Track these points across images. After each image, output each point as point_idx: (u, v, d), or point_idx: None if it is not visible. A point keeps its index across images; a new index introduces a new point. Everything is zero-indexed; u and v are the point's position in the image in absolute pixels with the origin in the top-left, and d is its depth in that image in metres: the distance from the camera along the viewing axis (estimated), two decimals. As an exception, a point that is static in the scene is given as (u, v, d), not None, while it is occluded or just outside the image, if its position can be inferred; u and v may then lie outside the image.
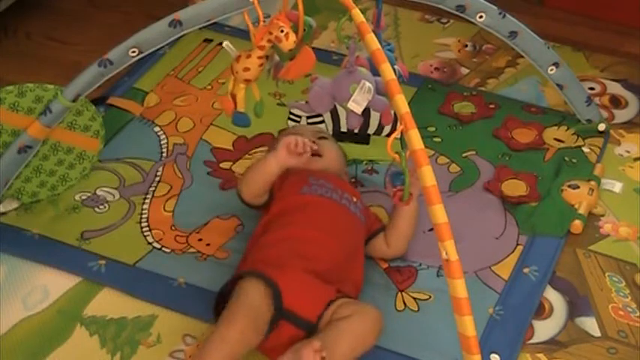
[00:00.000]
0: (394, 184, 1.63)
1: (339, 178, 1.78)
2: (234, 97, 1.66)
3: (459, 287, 1.37)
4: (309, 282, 1.57)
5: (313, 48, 1.61)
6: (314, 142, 1.78)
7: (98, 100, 2.06)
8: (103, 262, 1.76)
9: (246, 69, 1.60)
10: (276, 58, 1.65)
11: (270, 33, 1.55)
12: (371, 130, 1.96)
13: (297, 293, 1.55)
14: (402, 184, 1.61)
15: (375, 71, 1.53)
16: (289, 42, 1.54)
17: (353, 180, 1.94)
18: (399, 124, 1.42)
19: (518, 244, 1.82)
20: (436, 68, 2.29)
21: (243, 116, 1.65)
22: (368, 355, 1.59)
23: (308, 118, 1.96)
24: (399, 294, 1.71)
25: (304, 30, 1.58)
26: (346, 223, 1.70)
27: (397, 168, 1.60)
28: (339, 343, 1.51)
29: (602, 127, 2.06)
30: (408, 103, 1.42)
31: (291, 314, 1.53)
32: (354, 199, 1.73)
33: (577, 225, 1.84)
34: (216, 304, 1.59)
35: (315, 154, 1.78)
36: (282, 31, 1.53)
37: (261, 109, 1.65)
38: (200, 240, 1.82)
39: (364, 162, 1.99)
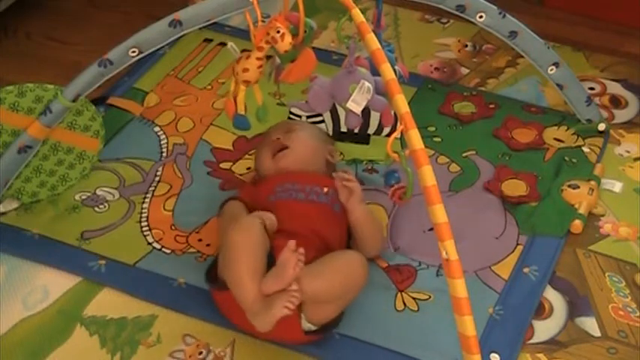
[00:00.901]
0: (389, 183, 1.63)
1: (308, 174, 1.76)
2: (235, 98, 1.66)
3: (459, 287, 1.37)
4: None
5: (313, 48, 1.61)
6: (278, 139, 1.80)
7: (98, 100, 2.06)
8: (103, 262, 1.76)
9: (245, 70, 1.60)
10: (277, 60, 1.65)
11: (268, 34, 1.55)
12: (371, 130, 1.96)
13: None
14: (396, 183, 1.61)
15: (375, 71, 1.53)
16: (284, 43, 1.54)
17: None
18: (399, 124, 1.42)
19: (518, 244, 1.82)
20: (436, 68, 2.29)
21: (243, 119, 1.66)
22: (368, 354, 1.60)
23: (308, 117, 1.96)
24: (399, 294, 1.71)
25: (305, 32, 1.58)
26: (314, 216, 1.68)
27: (389, 167, 1.60)
28: (323, 269, 1.53)
29: (602, 127, 2.06)
30: (408, 103, 1.43)
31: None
32: (325, 190, 1.72)
33: (577, 225, 1.84)
34: (210, 271, 1.63)
35: (282, 148, 1.79)
36: (278, 32, 1.53)
37: (263, 115, 1.65)
38: (200, 240, 1.82)
39: (364, 162, 1.99)
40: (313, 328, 1.58)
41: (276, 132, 1.84)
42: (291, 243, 1.49)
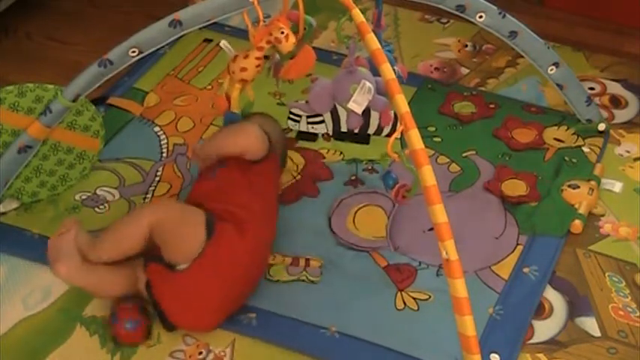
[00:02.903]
0: (388, 186, 1.62)
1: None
2: (228, 96, 1.66)
3: (459, 287, 1.37)
4: None
5: (313, 48, 1.61)
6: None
7: (98, 100, 2.06)
8: (103, 262, 1.76)
9: (243, 69, 1.60)
10: (277, 57, 1.65)
11: (270, 34, 1.55)
12: (371, 130, 1.96)
13: None
14: (394, 184, 1.61)
15: (375, 71, 1.53)
16: (289, 44, 1.55)
17: (353, 178, 1.95)
18: (399, 124, 1.42)
19: (518, 244, 1.82)
20: (436, 68, 2.29)
21: (234, 116, 1.66)
22: (368, 353, 1.60)
23: (308, 117, 1.96)
24: (399, 293, 1.71)
25: (304, 29, 1.58)
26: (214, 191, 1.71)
27: (384, 170, 1.60)
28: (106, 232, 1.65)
29: (602, 127, 2.06)
30: (408, 103, 1.43)
31: None
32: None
33: (577, 225, 1.84)
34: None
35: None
36: (282, 33, 1.53)
37: (248, 108, 1.66)
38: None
39: (364, 161, 1.99)
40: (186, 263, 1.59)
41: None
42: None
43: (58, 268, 1.60)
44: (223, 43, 1.61)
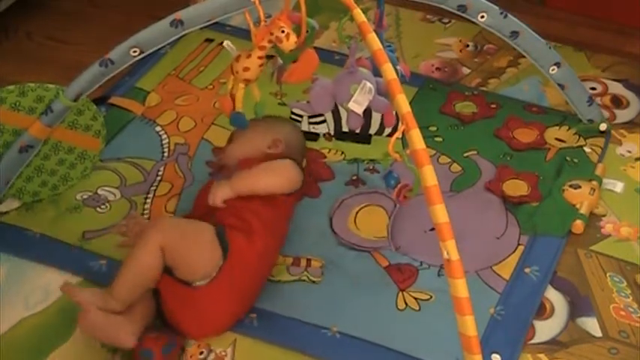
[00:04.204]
0: (390, 185, 1.62)
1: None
2: (233, 97, 1.66)
3: (461, 287, 1.36)
4: None
5: (315, 48, 1.61)
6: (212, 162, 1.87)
7: (99, 100, 2.06)
8: (104, 261, 1.76)
9: (246, 69, 1.60)
10: (280, 61, 1.65)
11: (271, 33, 1.55)
12: (372, 130, 1.96)
13: None
14: (396, 184, 1.60)
15: (377, 71, 1.53)
16: (290, 42, 1.54)
17: (354, 178, 1.94)
18: (400, 124, 1.42)
19: (519, 244, 1.82)
20: (437, 68, 2.29)
21: (241, 117, 1.66)
22: (369, 353, 1.60)
23: (309, 118, 1.97)
24: (400, 293, 1.71)
25: (307, 32, 1.58)
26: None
27: (386, 170, 1.60)
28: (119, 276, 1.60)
29: (603, 127, 2.06)
30: (410, 103, 1.42)
31: None
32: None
33: (578, 225, 1.84)
34: None
35: (220, 168, 1.85)
36: (282, 32, 1.53)
37: (261, 110, 1.65)
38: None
39: (365, 161, 1.99)
40: (203, 280, 1.59)
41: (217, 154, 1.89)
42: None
43: (126, 339, 1.55)
44: (226, 43, 1.61)
